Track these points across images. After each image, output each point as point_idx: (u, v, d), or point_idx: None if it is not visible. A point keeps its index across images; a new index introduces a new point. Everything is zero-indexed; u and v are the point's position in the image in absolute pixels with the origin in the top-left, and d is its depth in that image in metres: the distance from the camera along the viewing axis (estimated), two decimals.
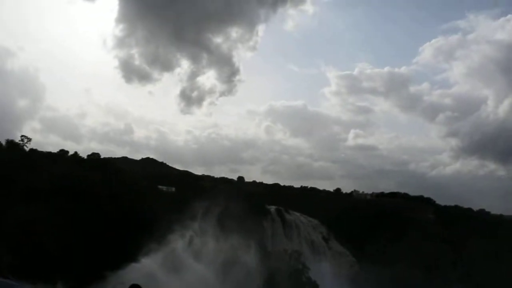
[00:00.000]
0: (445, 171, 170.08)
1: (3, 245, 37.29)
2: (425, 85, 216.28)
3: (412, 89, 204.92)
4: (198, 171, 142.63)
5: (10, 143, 58.07)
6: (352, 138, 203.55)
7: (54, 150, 65.77)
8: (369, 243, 78.60)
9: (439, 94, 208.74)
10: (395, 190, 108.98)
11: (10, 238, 38.77)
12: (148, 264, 45.12)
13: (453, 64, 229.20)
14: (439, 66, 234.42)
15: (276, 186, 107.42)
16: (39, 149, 62.03)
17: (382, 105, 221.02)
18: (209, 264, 47.71)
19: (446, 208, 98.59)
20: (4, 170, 45.78)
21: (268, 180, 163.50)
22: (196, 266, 46.91)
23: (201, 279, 44.71)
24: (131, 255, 44.73)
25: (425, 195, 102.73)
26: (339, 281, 68.37)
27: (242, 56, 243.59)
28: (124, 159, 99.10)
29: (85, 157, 67.33)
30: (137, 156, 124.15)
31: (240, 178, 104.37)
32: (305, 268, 64.01)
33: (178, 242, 50.70)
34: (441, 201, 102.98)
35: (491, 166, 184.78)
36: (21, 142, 58.89)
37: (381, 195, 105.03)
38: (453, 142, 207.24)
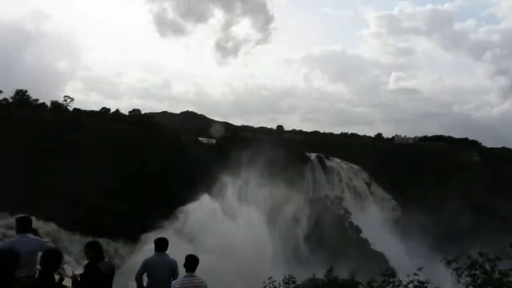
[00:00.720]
0: (492, 112, 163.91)
1: (56, 201, 39.49)
2: (470, 22, 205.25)
3: (457, 26, 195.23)
4: (237, 122, 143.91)
5: (55, 104, 60.08)
6: (393, 81, 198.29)
7: (97, 108, 67.58)
8: (412, 187, 77.82)
9: (486, 31, 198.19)
10: (438, 134, 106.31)
11: (62, 194, 40.93)
12: (202, 207, 46.69)
13: None
14: (485, 1, 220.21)
15: (315, 133, 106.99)
16: (82, 108, 63.96)
17: (424, 45, 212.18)
18: (258, 211, 48.81)
19: (492, 150, 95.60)
20: (52, 130, 47.63)
21: (308, 128, 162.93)
22: (247, 212, 48.09)
23: (252, 224, 45.85)
24: (181, 204, 46.23)
25: (470, 138, 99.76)
26: (381, 225, 68.65)
27: (276, 2, 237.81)
28: (164, 113, 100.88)
29: (127, 113, 68.97)
30: (177, 110, 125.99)
31: (279, 127, 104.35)
32: (347, 213, 64.72)
33: (227, 190, 52.10)
34: (487, 143, 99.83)
35: None
36: (65, 103, 60.86)
37: (424, 139, 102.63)
38: (501, 81, 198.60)
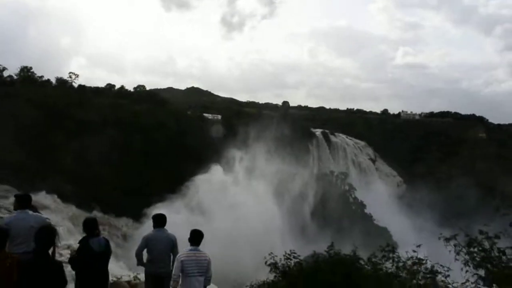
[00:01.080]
0: (500, 87, 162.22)
1: (65, 178, 39.91)
2: None
3: (466, 0, 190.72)
4: (242, 97, 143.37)
5: (60, 80, 59.93)
6: (400, 57, 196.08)
7: (102, 84, 67.51)
8: (417, 163, 78.04)
9: (497, 5, 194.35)
10: (445, 110, 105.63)
11: (68, 169, 41.33)
12: (212, 180, 47.06)
13: None
14: None
15: (321, 109, 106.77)
16: (87, 84, 63.81)
17: (432, 20, 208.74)
18: (266, 186, 49.06)
19: (499, 126, 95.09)
20: (57, 106, 47.71)
21: (313, 103, 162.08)
22: (256, 186, 48.36)
23: (262, 198, 46.13)
24: (189, 179, 46.53)
25: (478, 114, 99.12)
26: (386, 200, 68.97)
27: None
28: (169, 89, 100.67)
29: (132, 90, 68.78)
30: (182, 86, 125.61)
31: (285, 103, 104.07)
32: (352, 189, 64.90)
33: (235, 164, 52.44)
34: (494, 119, 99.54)
35: None
36: (70, 79, 60.66)
37: (430, 115, 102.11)
38: (510, 56, 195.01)
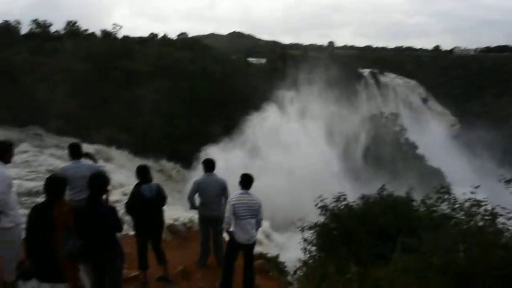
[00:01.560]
0: None
1: (115, 125, 41.28)
2: None
3: None
4: (286, 40, 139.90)
5: (104, 32, 60.47)
6: None
7: (144, 34, 67.50)
8: (473, 102, 74.78)
9: None
10: (503, 44, 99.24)
11: (120, 119, 42.60)
12: (265, 120, 47.43)
13: None
14: None
15: (368, 48, 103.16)
16: (131, 35, 64.06)
17: None
18: (319, 128, 48.65)
19: None
20: (104, 58, 48.43)
21: (360, 43, 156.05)
22: (309, 128, 48.01)
23: (316, 141, 45.73)
24: (239, 120, 46.74)
25: None
26: (439, 141, 66.91)
27: None
28: (211, 35, 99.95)
29: (175, 37, 68.58)
30: (224, 31, 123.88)
31: (330, 44, 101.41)
32: (403, 130, 63.12)
33: (286, 107, 52.28)
34: None
35: None
36: (113, 30, 60.96)
37: (487, 50, 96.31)
38: None
